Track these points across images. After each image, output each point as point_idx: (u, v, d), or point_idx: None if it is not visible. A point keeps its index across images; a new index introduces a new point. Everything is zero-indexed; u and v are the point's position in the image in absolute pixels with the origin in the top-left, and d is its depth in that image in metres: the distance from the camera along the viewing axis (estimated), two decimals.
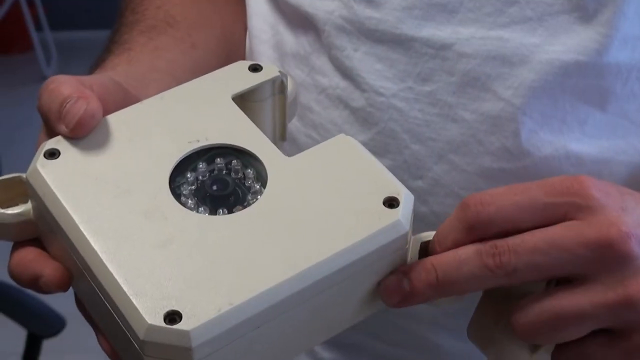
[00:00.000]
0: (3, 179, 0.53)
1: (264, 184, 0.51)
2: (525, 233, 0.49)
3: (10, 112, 2.72)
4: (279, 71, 0.57)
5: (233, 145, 0.53)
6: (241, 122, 0.54)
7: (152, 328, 0.45)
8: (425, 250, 0.52)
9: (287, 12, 0.67)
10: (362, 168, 0.51)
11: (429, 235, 0.52)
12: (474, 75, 0.60)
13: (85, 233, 0.49)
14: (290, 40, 0.67)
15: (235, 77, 0.56)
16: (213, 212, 0.51)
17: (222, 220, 0.50)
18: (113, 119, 0.53)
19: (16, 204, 0.53)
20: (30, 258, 0.52)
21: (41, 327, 1.28)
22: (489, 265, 0.49)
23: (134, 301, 0.46)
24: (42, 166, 0.51)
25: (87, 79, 0.55)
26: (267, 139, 0.53)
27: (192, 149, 0.52)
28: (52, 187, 0.50)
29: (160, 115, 0.54)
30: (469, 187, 0.61)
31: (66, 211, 0.49)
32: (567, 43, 0.58)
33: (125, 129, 0.53)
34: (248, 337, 0.47)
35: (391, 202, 0.50)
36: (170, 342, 0.45)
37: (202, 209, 0.51)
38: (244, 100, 0.56)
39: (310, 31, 0.65)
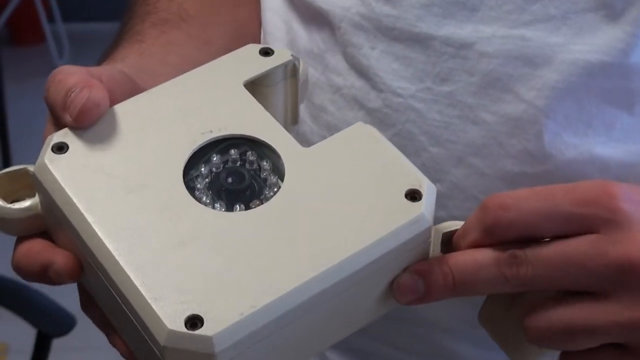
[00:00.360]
0: (9, 172, 0.53)
1: (280, 177, 0.51)
2: (545, 244, 0.49)
3: (22, 104, 2.73)
4: (292, 55, 0.56)
5: (248, 135, 0.52)
6: (254, 110, 0.53)
7: (173, 333, 0.45)
8: (449, 241, 0.51)
9: (300, 7, 0.67)
10: (382, 158, 0.51)
11: (451, 225, 0.52)
12: (495, 76, 0.59)
13: (99, 233, 0.48)
14: (304, 37, 0.67)
15: (247, 62, 0.55)
16: (229, 207, 0.50)
17: (240, 217, 0.49)
18: (122, 108, 0.53)
19: (22, 197, 0.52)
20: (38, 249, 0.51)
21: (51, 326, 1.28)
22: (506, 275, 0.49)
23: (153, 306, 0.46)
24: (50, 161, 0.50)
25: (95, 70, 0.54)
26: (282, 128, 0.52)
27: (205, 140, 0.52)
28: (62, 183, 0.50)
29: (171, 104, 0.53)
30: (489, 191, 0.60)
31: (78, 209, 0.49)
32: (593, 42, 0.58)
33: (135, 119, 0.52)
34: (270, 338, 0.46)
35: (413, 195, 0.49)
36: (192, 348, 0.45)
37: (218, 204, 0.50)
38: (254, 85, 0.55)
39: (324, 28, 0.65)
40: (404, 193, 0.49)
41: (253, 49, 0.56)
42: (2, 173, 0.53)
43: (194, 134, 0.52)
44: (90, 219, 0.48)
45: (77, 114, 0.51)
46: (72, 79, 0.52)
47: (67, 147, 0.51)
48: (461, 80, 0.60)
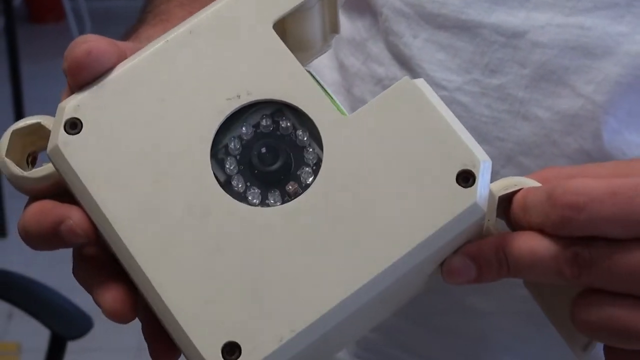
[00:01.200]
0: (21, 128, 0.51)
1: (319, 145, 0.49)
2: (615, 248, 0.47)
3: (42, 83, 2.75)
4: None
5: (281, 101, 0.50)
6: (287, 65, 0.50)
7: None
8: (507, 202, 0.50)
9: None
10: (430, 129, 0.48)
11: (507, 186, 0.50)
12: (549, 68, 0.59)
13: (124, 241, 0.47)
14: (345, 24, 0.66)
15: None
16: (264, 192, 0.49)
17: (276, 214, 0.48)
18: (135, 71, 0.50)
19: (40, 149, 0.51)
20: (50, 206, 0.50)
21: (67, 327, 1.29)
22: (565, 273, 0.48)
23: (187, 333, 0.46)
24: (64, 145, 0.49)
25: (121, 43, 0.54)
26: (319, 89, 0.50)
27: (232, 109, 0.50)
28: (78, 174, 0.49)
29: (192, 61, 0.50)
30: None
31: (98, 208, 0.48)
32: None
33: (152, 84, 0.50)
34: (311, 349, 0.46)
35: (466, 176, 0.47)
36: None
37: (251, 192, 0.49)
38: (284, 18, 0.52)
39: (366, 14, 0.65)
40: (454, 175, 0.48)
41: None
42: (15, 131, 0.51)
43: (219, 101, 0.49)
44: (112, 220, 0.48)
45: (68, 64, 0.50)
46: (83, 39, 0.51)
47: (81, 125, 0.49)
48: (512, 72, 0.60)
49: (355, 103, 0.65)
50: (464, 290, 0.63)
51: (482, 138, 0.60)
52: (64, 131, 0.49)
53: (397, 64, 0.63)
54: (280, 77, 0.50)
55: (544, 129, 0.59)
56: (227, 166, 0.49)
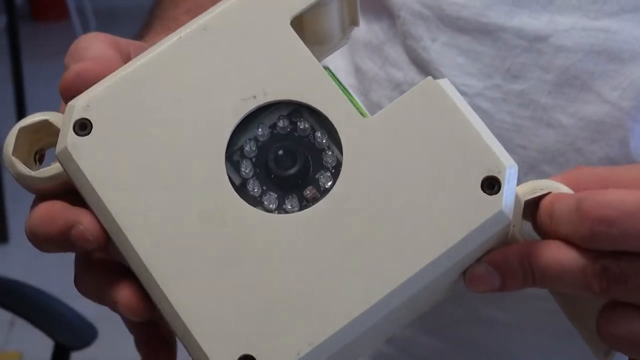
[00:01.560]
0: (28, 126, 0.51)
1: (338, 147, 0.49)
2: None
3: (44, 82, 2.75)
4: None
5: (299, 102, 0.49)
6: (305, 64, 0.49)
7: None
8: (534, 206, 0.49)
9: None
10: (455, 132, 0.48)
11: (534, 189, 0.49)
12: (573, 73, 0.59)
13: (136, 248, 0.47)
14: (362, 26, 0.66)
15: None
16: (281, 197, 0.49)
17: (294, 222, 0.48)
18: (149, 67, 0.49)
19: (47, 145, 0.51)
20: (59, 208, 0.49)
21: (70, 337, 1.29)
22: (593, 287, 0.47)
23: (201, 345, 0.46)
24: (73, 147, 0.48)
25: (124, 41, 0.54)
26: (339, 90, 0.49)
27: (248, 110, 0.49)
28: (89, 178, 0.48)
29: (205, 59, 0.50)
30: None
31: (109, 213, 0.48)
32: None
33: (166, 82, 0.49)
34: None
35: (491, 182, 0.47)
36: None
37: (267, 197, 0.49)
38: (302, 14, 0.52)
39: (384, 17, 0.65)
40: (479, 182, 0.47)
41: None
42: (22, 129, 0.51)
43: (234, 101, 0.49)
44: (124, 228, 0.48)
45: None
46: (82, 42, 0.52)
47: (91, 126, 0.49)
48: (535, 77, 0.59)
49: (373, 108, 0.64)
50: (482, 301, 0.63)
51: (503, 145, 0.59)
52: (73, 132, 0.48)
53: (416, 69, 0.63)
54: (298, 77, 0.49)
55: (568, 136, 0.59)
56: (243, 169, 0.49)
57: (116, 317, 0.52)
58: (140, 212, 0.48)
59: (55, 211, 0.49)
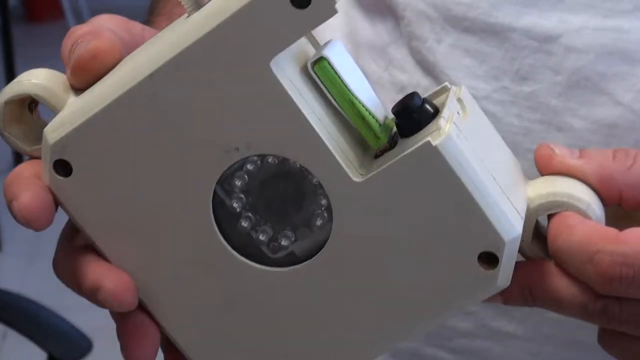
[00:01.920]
0: (11, 99, 0.50)
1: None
2: None
3: None
4: None
5: (285, 157, 0.47)
6: (290, 116, 0.46)
7: None
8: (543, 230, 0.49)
9: None
10: (452, 202, 0.46)
11: (550, 207, 0.48)
12: (585, 74, 0.59)
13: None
14: (366, 28, 0.66)
15: (271, 20, 0.44)
16: (273, 235, 0.49)
17: (283, 278, 0.48)
18: (123, 106, 0.47)
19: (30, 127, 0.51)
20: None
21: (64, 349, 1.29)
22: (593, 320, 0.48)
23: None
24: (56, 188, 0.48)
25: (140, 26, 0.54)
26: (327, 149, 0.47)
27: (231, 162, 0.47)
28: (76, 218, 0.48)
29: (181, 101, 0.47)
30: None
31: (101, 250, 0.49)
32: None
33: (142, 124, 0.47)
34: None
35: (488, 257, 0.46)
36: None
37: (257, 234, 0.48)
38: None
39: (388, 17, 0.65)
40: (475, 256, 0.46)
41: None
42: (7, 102, 0.50)
43: (216, 152, 0.47)
44: (115, 262, 0.48)
45: (71, 69, 0.49)
46: (83, 29, 0.50)
47: (71, 168, 0.48)
48: (544, 79, 0.59)
49: None
50: (491, 312, 0.63)
51: (512, 150, 0.59)
52: (54, 172, 0.48)
53: (421, 71, 0.63)
54: (283, 131, 0.46)
55: (580, 140, 0.59)
56: (233, 203, 0.48)
57: (111, 329, 0.52)
58: (129, 254, 0.48)
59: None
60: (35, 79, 0.49)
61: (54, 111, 0.50)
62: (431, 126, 0.46)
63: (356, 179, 0.46)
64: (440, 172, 0.45)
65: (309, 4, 0.43)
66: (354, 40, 0.67)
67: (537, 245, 0.49)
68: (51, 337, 1.31)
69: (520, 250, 0.48)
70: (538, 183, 0.50)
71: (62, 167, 0.48)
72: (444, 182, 0.46)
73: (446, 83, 0.49)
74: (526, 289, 0.49)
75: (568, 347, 0.61)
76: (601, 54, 0.58)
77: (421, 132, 0.46)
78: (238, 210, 0.48)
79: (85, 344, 1.28)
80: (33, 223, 0.47)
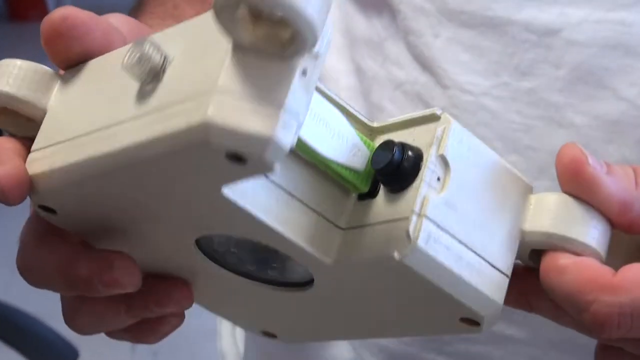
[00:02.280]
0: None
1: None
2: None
3: None
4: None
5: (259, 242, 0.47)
6: (248, 219, 0.44)
7: None
8: (538, 256, 0.47)
9: None
10: (430, 296, 0.45)
11: (543, 243, 0.46)
12: (587, 69, 0.59)
13: None
14: (362, 23, 0.67)
15: (209, 170, 0.41)
16: (260, 270, 0.50)
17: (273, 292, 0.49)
18: (98, 168, 0.45)
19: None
20: None
21: (49, 358, 1.30)
22: (592, 333, 0.47)
23: None
24: (47, 218, 0.49)
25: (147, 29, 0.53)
26: (293, 241, 0.45)
27: (206, 233, 0.48)
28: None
29: (155, 186, 0.45)
30: None
31: None
32: None
33: (120, 187, 0.45)
34: None
35: (470, 320, 0.46)
36: None
37: (249, 266, 0.50)
38: None
39: (384, 12, 0.65)
40: (457, 319, 0.46)
41: (214, 155, 0.39)
42: None
43: (189, 222, 0.47)
44: None
45: (44, 35, 0.47)
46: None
47: (54, 210, 0.48)
48: (545, 74, 0.60)
49: (373, 111, 0.66)
50: None
51: (512, 147, 0.61)
52: (39, 209, 0.48)
53: (419, 67, 0.63)
54: (246, 227, 0.45)
55: (582, 136, 0.59)
56: (215, 248, 0.49)
57: (98, 338, 0.52)
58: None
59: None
60: (4, 86, 0.48)
61: (33, 119, 0.48)
62: (408, 198, 0.44)
63: (327, 259, 0.45)
64: (411, 275, 0.44)
65: (245, 162, 0.39)
66: (350, 35, 0.67)
67: (534, 259, 0.48)
68: (36, 346, 1.32)
69: (520, 258, 0.48)
70: (544, 211, 0.47)
71: (47, 210, 0.48)
72: (416, 281, 0.44)
73: (436, 108, 0.46)
74: (523, 296, 0.49)
75: (568, 351, 0.62)
76: (604, 48, 0.58)
77: (402, 196, 0.44)
78: (221, 251, 0.49)
79: (70, 353, 1.29)
80: (7, 194, 0.46)
